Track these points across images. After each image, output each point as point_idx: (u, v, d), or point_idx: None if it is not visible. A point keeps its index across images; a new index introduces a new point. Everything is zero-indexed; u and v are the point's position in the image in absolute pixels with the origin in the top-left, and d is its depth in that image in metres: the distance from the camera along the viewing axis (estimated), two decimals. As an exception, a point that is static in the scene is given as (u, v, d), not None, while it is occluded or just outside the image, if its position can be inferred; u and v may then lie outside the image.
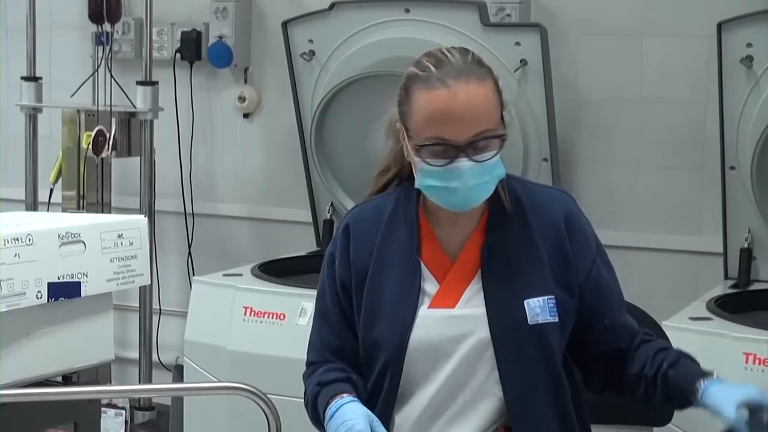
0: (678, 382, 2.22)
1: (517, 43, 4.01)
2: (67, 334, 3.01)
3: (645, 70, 4.29)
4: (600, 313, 2.32)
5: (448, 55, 2.27)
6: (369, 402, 2.35)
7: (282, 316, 3.81)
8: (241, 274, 4.09)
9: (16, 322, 2.88)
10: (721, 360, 3.17)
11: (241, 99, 4.99)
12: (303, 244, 4.73)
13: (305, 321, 3.76)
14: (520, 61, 4.02)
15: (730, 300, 3.67)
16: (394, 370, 2.33)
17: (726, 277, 3.98)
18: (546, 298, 2.24)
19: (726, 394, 2.13)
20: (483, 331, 2.26)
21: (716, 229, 4.03)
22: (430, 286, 2.33)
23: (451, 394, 2.30)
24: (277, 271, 4.17)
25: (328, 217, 4.58)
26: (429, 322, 2.31)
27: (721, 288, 3.88)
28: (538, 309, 2.24)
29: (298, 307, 3.79)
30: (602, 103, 4.35)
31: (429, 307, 2.31)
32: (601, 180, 4.37)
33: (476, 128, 2.21)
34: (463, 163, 2.21)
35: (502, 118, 2.27)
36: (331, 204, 4.52)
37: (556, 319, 2.25)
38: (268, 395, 2.66)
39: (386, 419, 2.36)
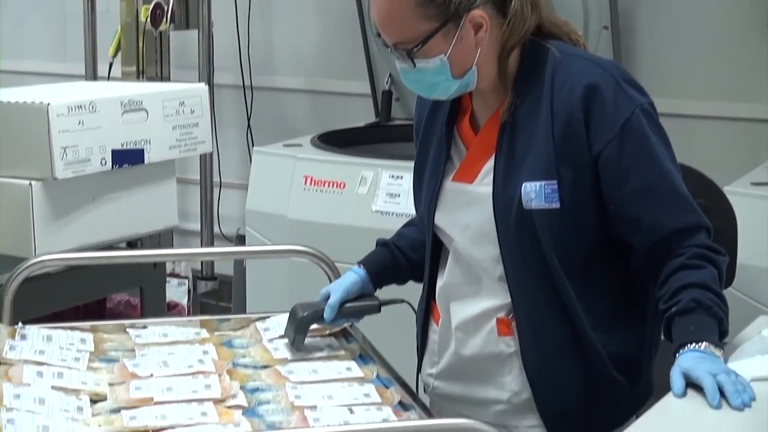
0: (674, 334, 2.09)
1: None
2: (131, 200, 3.06)
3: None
4: (608, 199, 2.17)
5: None
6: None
7: (342, 185, 3.83)
8: (300, 145, 4.11)
9: (82, 188, 2.94)
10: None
11: (299, -31, 4.97)
12: (361, 115, 4.73)
13: (365, 190, 3.79)
14: (581, -74, 3.96)
15: (793, 166, 3.64)
16: (428, 239, 2.37)
17: (788, 145, 3.96)
18: (545, 183, 2.15)
19: (685, 368, 1.99)
20: (489, 210, 2.23)
21: (778, 96, 3.99)
22: (459, 157, 2.33)
23: (463, 272, 2.31)
24: (337, 141, 4.19)
25: (387, 88, 4.56)
26: (449, 195, 2.31)
27: (783, 155, 3.85)
28: (533, 194, 2.16)
29: (359, 176, 3.81)
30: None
31: (453, 179, 2.32)
32: (661, 47, 4.31)
33: (390, 39, 2.19)
34: (400, 64, 2.22)
35: (442, 26, 2.14)
36: (390, 75, 4.51)
37: (556, 206, 2.15)
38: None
39: (431, 289, 2.40)
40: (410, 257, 2.48)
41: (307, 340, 2.50)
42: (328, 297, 2.42)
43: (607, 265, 2.23)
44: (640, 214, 2.16)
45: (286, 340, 2.50)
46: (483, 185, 2.24)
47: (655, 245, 2.15)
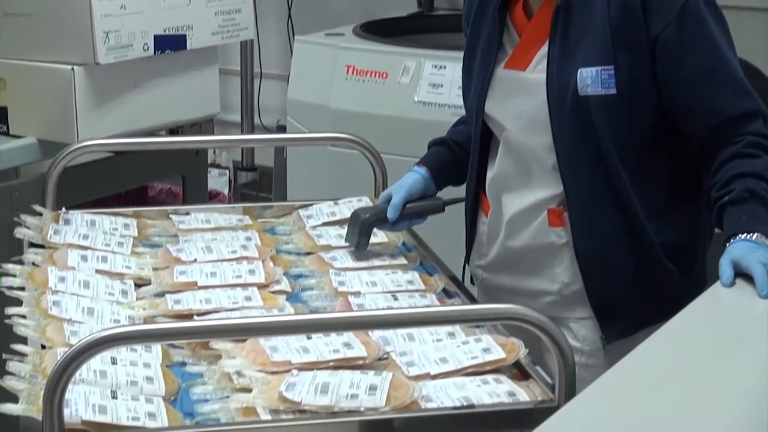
0: (725, 223, 2.05)
1: None
2: (173, 86, 3.04)
3: None
4: (665, 83, 2.13)
5: None
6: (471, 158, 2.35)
7: (384, 75, 3.79)
8: (342, 34, 4.06)
9: (124, 74, 2.92)
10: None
11: None
12: (404, 5, 4.67)
13: (407, 79, 3.74)
14: None
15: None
16: (476, 129, 2.32)
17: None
18: (601, 68, 2.11)
19: (735, 257, 1.94)
20: (542, 97, 2.18)
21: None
22: (512, 44, 2.27)
23: (514, 162, 2.27)
24: (379, 30, 4.13)
25: (430, -23, 4.51)
26: (501, 83, 2.26)
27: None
28: (589, 80, 2.11)
29: (401, 66, 3.76)
30: None
31: (505, 67, 2.26)
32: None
33: None
34: None
35: None
36: (433, -36, 4.45)
37: (612, 91, 2.11)
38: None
39: (480, 180, 2.36)
40: (469, 151, 2.44)
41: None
42: (389, 199, 2.37)
43: (662, 153, 2.19)
44: (697, 98, 2.12)
45: (328, 228, 2.50)
46: (536, 72, 2.20)
47: (711, 131, 2.11)
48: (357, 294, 2.15)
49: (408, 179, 2.40)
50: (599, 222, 2.17)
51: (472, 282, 2.41)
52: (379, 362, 1.84)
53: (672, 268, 2.19)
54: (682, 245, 2.21)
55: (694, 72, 2.11)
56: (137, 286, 2.20)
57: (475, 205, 2.38)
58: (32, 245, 2.37)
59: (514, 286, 2.30)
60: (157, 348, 1.90)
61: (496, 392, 1.76)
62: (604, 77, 2.11)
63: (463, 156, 2.43)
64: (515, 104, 2.23)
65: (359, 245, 2.36)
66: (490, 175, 2.32)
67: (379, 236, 2.46)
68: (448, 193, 2.47)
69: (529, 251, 2.25)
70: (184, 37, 3.00)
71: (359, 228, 2.35)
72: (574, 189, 2.17)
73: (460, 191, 2.45)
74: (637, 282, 2.19)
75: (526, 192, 2.25)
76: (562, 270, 2.23)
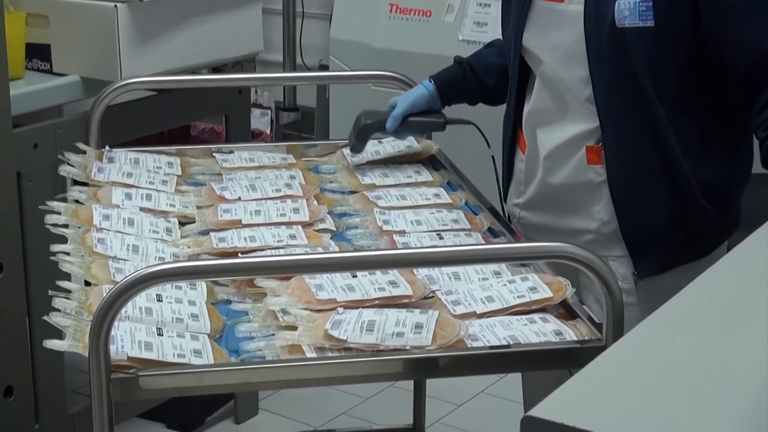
0: None
1: None
2: (217, 24, 3.02)
3: None
4: (705, 16, 2.07)
5: None
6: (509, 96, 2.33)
7: (428, 13, 3.75)
8: (386, -28, 4.02)
9: (167, 11, 2.90)
10: None
11: None
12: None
13: (452, 18, 3.71)
14: None
15: None
16: (514, 64, 2.29)
17: None
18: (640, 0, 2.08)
19: None
20: (579, 29, 2.14)
21: None
22: None
23: (551, 96, 2.23)
24: (423, -32, 4.10)
25: None
26: (539, 15, 2.22)
27: None
28: (627, 11, 2.07)
29: (445, 4, 3.73)
30: None
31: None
32: None
33: None
34: None
35: None
36: None
37: (650, 23, 2.06)
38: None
39: (517, 116, 2.33)
40: (481, 79, 2.45)
41: (395, 166, 2.49)
42: (394, 107, 2.44)
43: (700, 89, 2.14)
44: (738, 33, 2.06)
45: (372, 167, 2.49)
46: (574, 4, 2.16)
47: (752, 67, 2.06)
48: (402, 233, 2.14)
49: (415, 92, 2.47)
50: (634, 156, 2.14)
51: (509, 221, 2.39)
52: (424, 301, 1.83)
53: (707, 207, 2.15)
54: (718, 184, 2.17)
55: (734, 5, 2.05)
56: (181, 224, 2.20)
57: (512, 142, 2.35)
58: (76, 183, 2.37)
59: (552, 225, 2.27)
60: (202, 285, 1.89)
61: (543, 331, 1.74)
62: (642, 9, 2.07)
63: (472, 80, 2.47)
64: (552, 36, 2.19)
65: (354, 148, 2.49)
66: (526, 110, 2.30)
67: (423, 175, 2.45)
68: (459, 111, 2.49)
69: (567, 189, 2.23)
70: (227, -26, 2.98)
71: (357, 132, 2.47)
72: (609, 122, 2.14)
73: (475, 111, 2.48)
74: (672, 219, 2.16)
75: (561, 126, 2.22)
76: (600, 208, 2.20)
